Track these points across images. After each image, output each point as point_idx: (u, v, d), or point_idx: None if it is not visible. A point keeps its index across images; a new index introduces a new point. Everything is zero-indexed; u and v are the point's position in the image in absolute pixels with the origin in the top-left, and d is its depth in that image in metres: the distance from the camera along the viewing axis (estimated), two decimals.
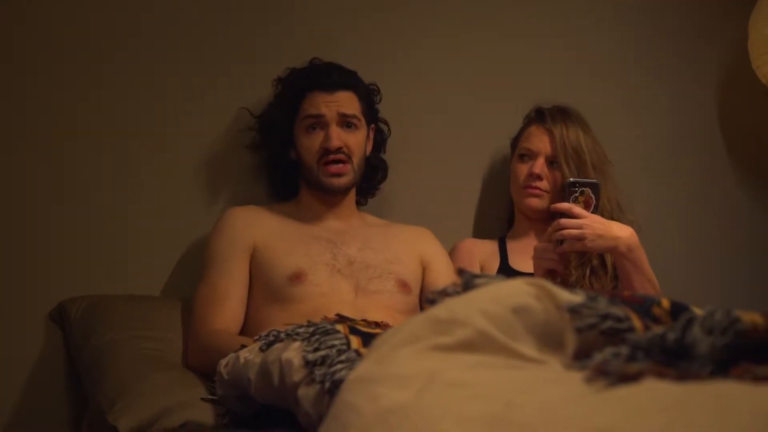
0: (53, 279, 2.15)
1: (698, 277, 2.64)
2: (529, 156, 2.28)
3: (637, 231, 2.25)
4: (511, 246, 2.34)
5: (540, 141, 2.27)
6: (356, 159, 2.16)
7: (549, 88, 2.43)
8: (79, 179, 2.21)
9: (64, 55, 2.23)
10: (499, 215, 2.47)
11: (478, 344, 0.95)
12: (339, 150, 2.12)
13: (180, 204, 2.28)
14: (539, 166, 2.25)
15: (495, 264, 2.30)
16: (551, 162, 2.25)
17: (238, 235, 2.09)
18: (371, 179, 2.31)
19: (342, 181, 2.14)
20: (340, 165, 2.13)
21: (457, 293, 1.08)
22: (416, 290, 2.15)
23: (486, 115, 2.49)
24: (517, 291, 1.00)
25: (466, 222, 2.48)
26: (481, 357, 0.92)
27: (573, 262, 2.15)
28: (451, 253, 2.32)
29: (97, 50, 2.25)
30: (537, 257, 1.96)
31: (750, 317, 0.83)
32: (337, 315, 1.80)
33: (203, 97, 2.31)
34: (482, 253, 2.33)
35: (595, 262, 2.20)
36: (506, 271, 2.27)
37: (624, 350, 0.87)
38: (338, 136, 2.12)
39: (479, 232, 2.47)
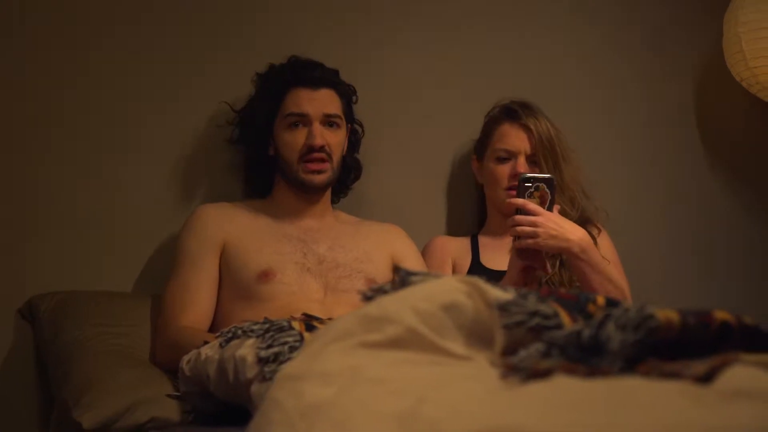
0: (23, 275, 2.15)
1: (672, 273, 2.64)
2: (508, 156, 2.23)
3: (605, 218, 2.27)
4: (483, 243, 2.33)
5: (517, 139, 2.23)
6: (336, 158, 2.17)
7: (522, 85, 2.42)
8: (51, 174, 2.21)
9: (41, 52, 2.23)
10: (470, 212, 2.47)
11: (406, 341, 0.96)
12: (322, 148, 2.12)
13: (153, 200, 2.28)
14: (522, 165, 2.20)
15: (467, 261, 2.30)
16: (532, 160, 2.22)
17: (208, 232, 2.09)
18: (345, 179, 2.31)
19: (322, 178, 2.14)
20: (321, 163, 2.13)
21: (394, 290, 1.08)
22: None
23: (455, 113, 2.49)
24: (449, 289, 1.01)
25: (437, 219, 2.48)
26: (406, 354, 0.93)
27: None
28: (424, 251, 2.31)
29: (74, 46, 2.25)
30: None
31: (665, 315, 0.84)
32: (304, 314, 1.80)
33: (179, 95, 2.31)
34: (454, 250, 2.32)
35: (565, 255, 2.19)
36: (477, 268, 2.26)
37: (541, 347, 0.88)
38: (321, 135, 2.12)
39: (451, 229, 2.47)
